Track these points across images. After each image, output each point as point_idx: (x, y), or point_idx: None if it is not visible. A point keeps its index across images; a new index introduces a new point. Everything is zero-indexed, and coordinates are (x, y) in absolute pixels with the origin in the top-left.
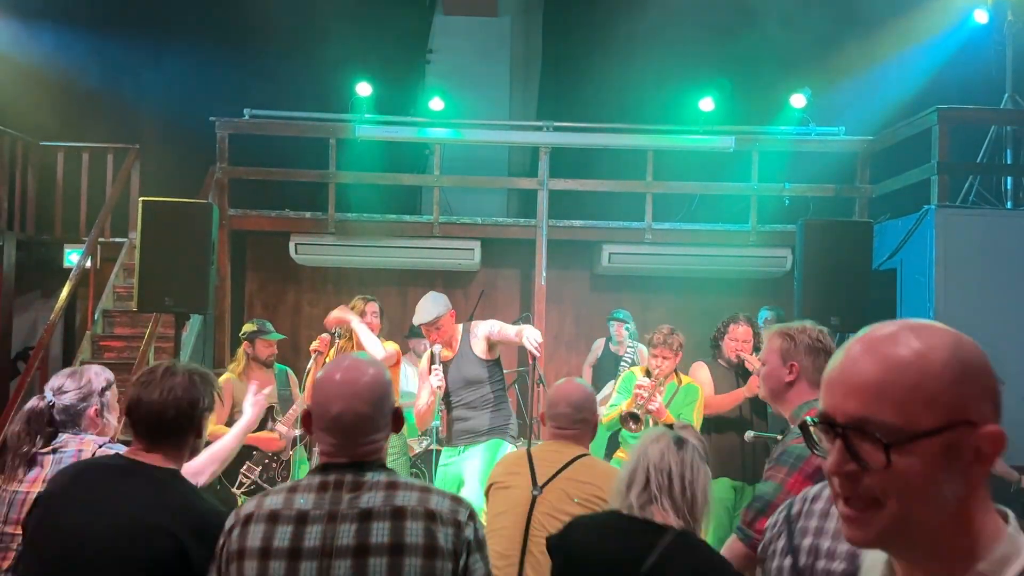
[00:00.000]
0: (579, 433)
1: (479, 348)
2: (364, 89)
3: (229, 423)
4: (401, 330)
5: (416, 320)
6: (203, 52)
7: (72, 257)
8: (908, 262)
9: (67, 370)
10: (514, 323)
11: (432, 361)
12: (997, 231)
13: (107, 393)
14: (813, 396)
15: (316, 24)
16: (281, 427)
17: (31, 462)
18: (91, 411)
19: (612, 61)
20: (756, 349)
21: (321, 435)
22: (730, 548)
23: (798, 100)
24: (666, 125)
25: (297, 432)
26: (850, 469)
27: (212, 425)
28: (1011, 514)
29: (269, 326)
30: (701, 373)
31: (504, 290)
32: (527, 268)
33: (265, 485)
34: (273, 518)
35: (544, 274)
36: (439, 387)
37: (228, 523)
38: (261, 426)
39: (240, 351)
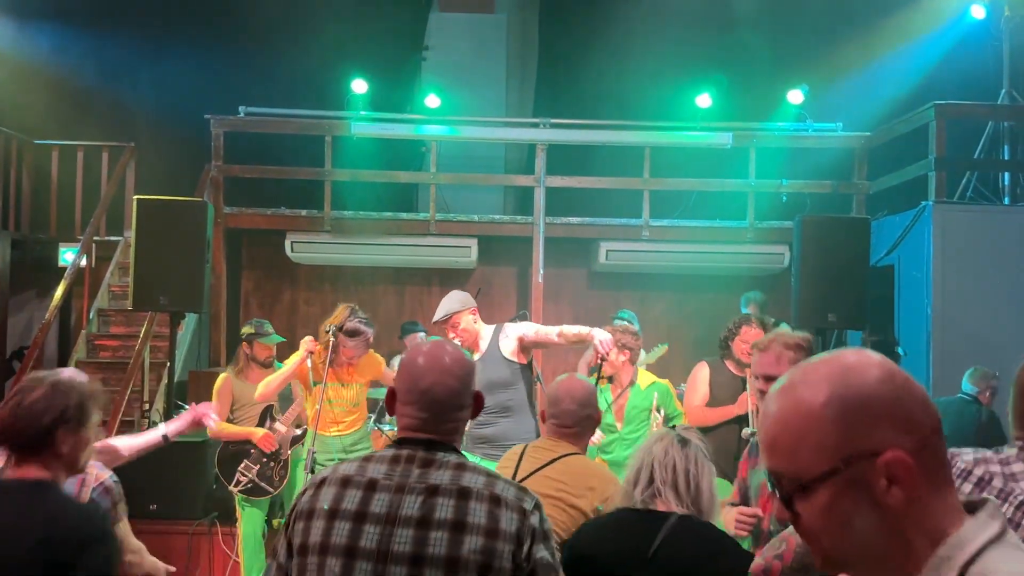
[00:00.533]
0: (580, 431)
1: (508, 348)
2: (360, 86)
3: (229, 421)
4: (398, 327)
5: (434, 318)
6: (198, 49)
7: (67, 256)
8: (905, 258)
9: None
10: (510, 321)
11: None
12: (994, 227)
13: None
14: None
15: (311, 21)
16: (279, 426)
17: None
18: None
19: (609, 57)
20: None
21: (406, 409)
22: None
23: (795, 96)
24: (663, 122)
25: (296, 432)
26: (786, 515)
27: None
28: (990, 501)
29: (268, 327)
30: (699, 376)
31: (501, 288)
32: (524, 266)
33: (262, 484)
34: (345, 482)
35: (541, 271)
36: None
37: (306, 484)
38: (260, 424)
39: (239, 351)
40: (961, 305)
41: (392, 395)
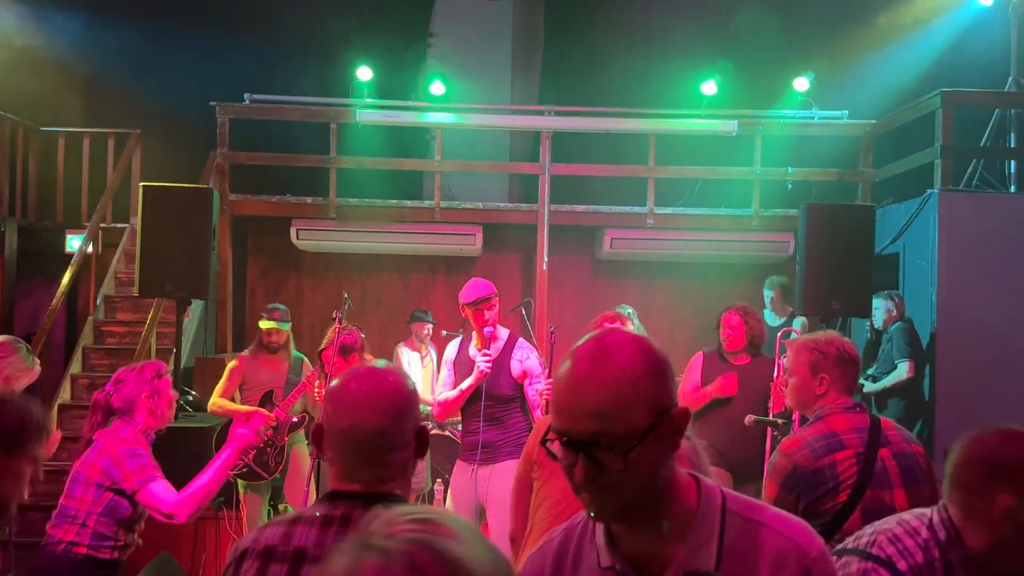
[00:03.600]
0: None
1: (516, 371)
2: (365, 73)
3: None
4: (403, 315)
5: (473, 295)
6: (203, 37)
7: (74, 243)
8: (910, 246)
9: (132, 364)
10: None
11: (484, 343)
12: (1000, 215)
13: (156, 382)
14: (844, 402)
15: (317, 8)
16: (279, 412)
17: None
18: (142, 398)
19: (614, 45)
20: (753, 343)
21: (330, 452)
22: None
23: (801, 84)
24: (668, 109)
25: (294, 419)
26: (594, 475)
27: (215, 397)
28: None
29: (278, 308)
30: (692, 364)
31: (506, 275)
32: (529, 253)
33: (258, 469)
34: (268, 555)
35: (546, 259)
36: (487, 370)
37: (229, 557)
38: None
39: (258, 332)
40: (966, 293)
41: (319, 431)
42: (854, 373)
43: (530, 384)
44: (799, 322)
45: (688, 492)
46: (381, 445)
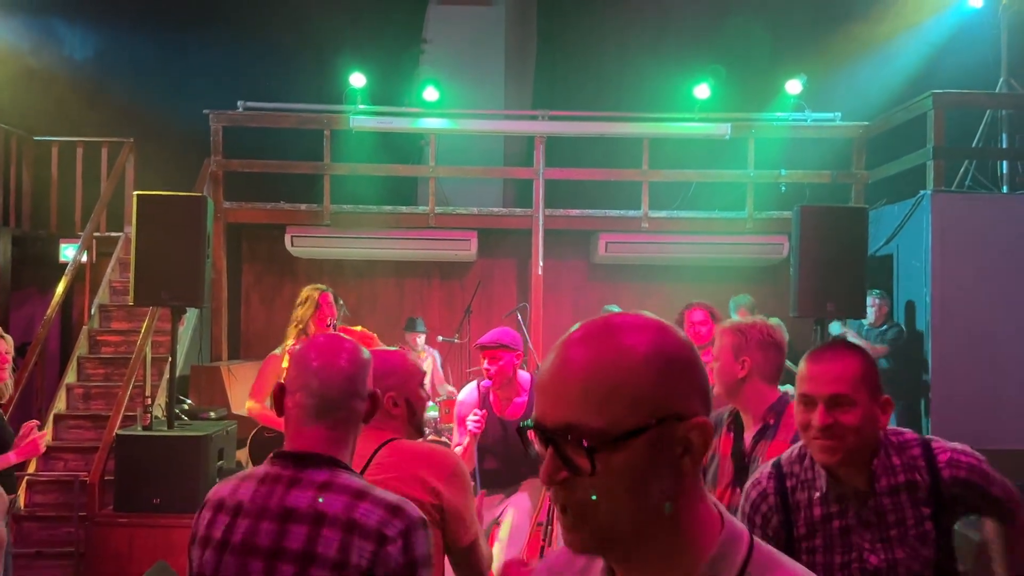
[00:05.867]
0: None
1: None
2: (358, 80)
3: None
4: (398, 321)
5: (481, 339)
6: (196, 45)
7: (68, 252)
8: (904, 247)
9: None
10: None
11: (479, 402)
12: (993, 216)
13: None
14: (771, 392)
15: (310, 15)
16: None
17: None
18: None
19: (607, 49)
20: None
21: (296, 397)
22: None
23: (794, 86)
24: (661, 113)
25: None
26: (563, 477)
27: (253, 401)
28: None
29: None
30: None
31: (501, 280)
32: (524, 258)
33: None
34: (219, 506)
35: (541, 264)
36: (476, 431)
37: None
38: None
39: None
40: (960, 294)
41: (281, 389)
42: (778, 359)
43: None
44: (775, 321)
45: (707, 536)
46: (346, 389)
